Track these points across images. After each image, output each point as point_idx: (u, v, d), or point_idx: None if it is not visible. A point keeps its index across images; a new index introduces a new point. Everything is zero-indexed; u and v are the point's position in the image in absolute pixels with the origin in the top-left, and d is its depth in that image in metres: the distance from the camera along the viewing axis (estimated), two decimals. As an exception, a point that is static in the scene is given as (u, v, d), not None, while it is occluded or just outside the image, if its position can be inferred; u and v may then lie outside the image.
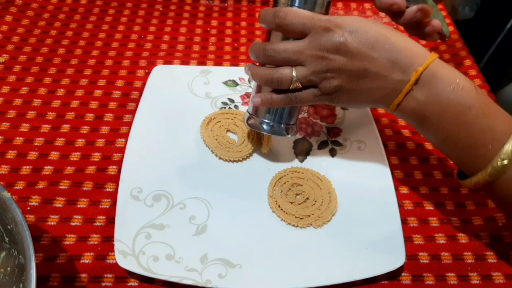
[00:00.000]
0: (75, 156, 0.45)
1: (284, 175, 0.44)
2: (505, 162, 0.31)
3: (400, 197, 0.43)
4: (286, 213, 0.41)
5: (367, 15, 0.65)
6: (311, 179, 0.43)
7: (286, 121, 0.41)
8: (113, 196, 0.42)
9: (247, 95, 0.52)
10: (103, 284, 0.37)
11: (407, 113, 0.35)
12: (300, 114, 0.46)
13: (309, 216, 0.40)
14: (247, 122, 0.42)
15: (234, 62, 0.57)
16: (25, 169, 0.44)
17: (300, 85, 0.36)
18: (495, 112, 0.33)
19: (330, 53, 0.34)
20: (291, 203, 0.41)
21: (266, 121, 0.40)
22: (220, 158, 0.45)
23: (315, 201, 0.42)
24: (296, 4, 0.36)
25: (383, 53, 0.33)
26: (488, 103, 0.33)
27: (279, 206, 0.41)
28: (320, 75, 0.35)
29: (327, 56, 0.34)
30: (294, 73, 0.36)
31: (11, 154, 0.45)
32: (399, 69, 0.33)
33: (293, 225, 0.40)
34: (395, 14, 0.42)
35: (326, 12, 0.37)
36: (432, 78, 0.33)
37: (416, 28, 0.43)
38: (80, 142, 0.46)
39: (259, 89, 0.40)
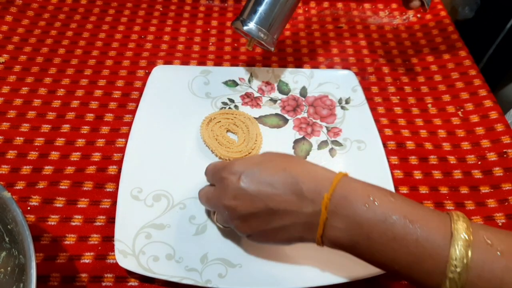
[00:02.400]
0: (75, 156, 0.45)
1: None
2: (459, 269, 0.26)
3: (400, 197, 0.43)
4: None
5: (367, 15, 0.65)
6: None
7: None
8: (113, 196, 0.42)
9: (247, 95, 0.52)
10: (103, 284, 0.37)
11: (336, 244, 0.31)
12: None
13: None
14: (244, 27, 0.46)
15: (234, 62, 0.57)
16: (25, 169, 0.44)
17: (221, 227, 0.39)
18: (422, 214, 0.29)
19: (230, 201, 0.32)
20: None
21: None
22: (220, 158, 0.45)
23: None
24: (254, 21, 0.45)
25: (285, 187, 0.31)
26: (411, 208, 0.29)
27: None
28: (231, 223, 0.34)
29: (228, 205, 0.33)
30: (215, 218, 0.39)
31: (11, 154, 0.45)
32: (306, 200, 0.31)
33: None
34: None
35: (269, 31, 0.45)
36: (343, 201, 0.30)
37: None
38: (80, 142, 0.46)
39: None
